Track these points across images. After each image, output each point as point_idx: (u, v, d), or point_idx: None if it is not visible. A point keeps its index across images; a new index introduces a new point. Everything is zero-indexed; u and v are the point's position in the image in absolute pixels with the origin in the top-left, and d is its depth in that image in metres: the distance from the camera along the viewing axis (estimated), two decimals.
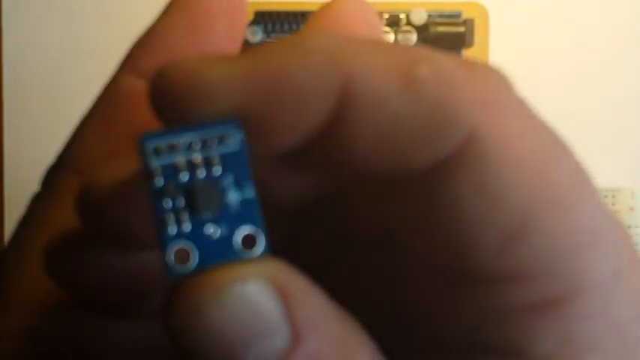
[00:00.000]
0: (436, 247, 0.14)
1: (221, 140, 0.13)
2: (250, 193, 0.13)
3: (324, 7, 0.17)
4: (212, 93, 0.13)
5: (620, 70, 0.48)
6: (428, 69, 0.13)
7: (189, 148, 0.13)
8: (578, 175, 0.14)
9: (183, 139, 0.13)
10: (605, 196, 0.46)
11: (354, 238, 0.16)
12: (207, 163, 0.13)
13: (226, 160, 0.13)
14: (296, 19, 0.46)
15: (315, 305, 0.13)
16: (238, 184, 0.13)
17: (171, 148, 0.13)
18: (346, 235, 0.16)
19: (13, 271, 0.17)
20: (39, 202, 0.17)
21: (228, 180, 0.13)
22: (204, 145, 0.13)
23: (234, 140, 0.13)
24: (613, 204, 0.46)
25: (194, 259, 0.13)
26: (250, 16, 0.46)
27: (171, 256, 0.13)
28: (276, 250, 0.13)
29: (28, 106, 0.47)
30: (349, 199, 0.16)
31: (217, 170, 0.13)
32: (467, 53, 0.46)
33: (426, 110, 0.13)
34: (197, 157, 0.13)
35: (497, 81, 0.14)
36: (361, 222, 0.16)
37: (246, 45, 0.51)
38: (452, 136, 0.13)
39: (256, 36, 0.46)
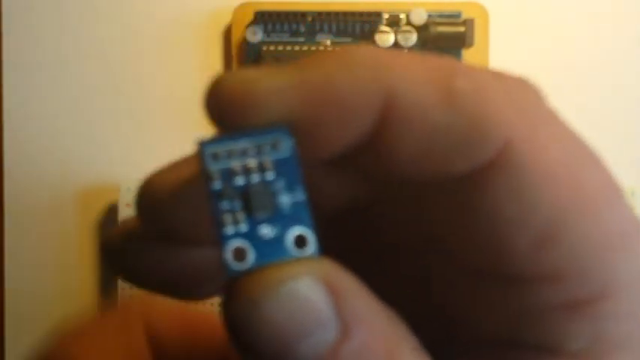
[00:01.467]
0: (474, 250, 0.15)
1: (274, 146, 0.14)
2: (301, 196, 0.14)
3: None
4: (266, 102, 0.14)
5: (620, 70, 0.48)
6: (465, 82, 0.14)
7: (245, 153, 0.14)
8: (608, 181, 0.15)
9: (239, 145, 0.14)
10: None
11: (395, 240, 0.17)
12: (261, 168, 0.14)
13: (279, 165, 0.14)
14: (296, 19, 0.46)
15: (363, 302, 0.14)
16: (290, 188, 0.14)
17: (229, 154, 0.14)
18: (388, 236, 0.17)
19: None
20: None
21: (281, 184, 0.14)
22: (259, 150, 0.14)
23: (285, 147, 0.14)
24: None
25: (250, 257, 0.14)
26: (250, 16, 0.46)
27: (229, 254, 0.14)
28: (325, 249, 0.14)
29: (28, 106, 0.47)
30: (390, 202, 0.16)
31: (270, 174, 0.14)
32: (467, 53, 0.46)
33: (464, 121, 0.14)
34: (252, 162, 0.14)
35: (529, 92, 0.15)
36: (402, 225, 0.17)
37: (247, 45, 0.51)
38: (488, 145, 0.14)
39: (256, 36, 0.46)
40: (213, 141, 0.14)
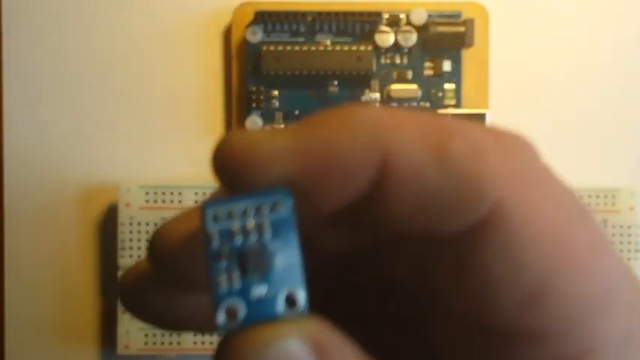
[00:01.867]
0: (464, 304, 0.15)
1: (273, 207, 0.14)
2: (296, 257, 0.14)
3: None
4: (267, 164, 0.14)
5: (620, 70, 0.48)
6: (460, 143, 0.14)
7: (245, 214, 0.14)
8: (595, 239, 0.15)
9: (239, 206, 0.14)
10: (605, 196, 0.46)
11: (389, 288, 0.17)
12: (259, 229, 0.14)
13: (276, 226, 0.14)
14: (296, 19, 0.46)
15: (348, 359, 0.14)
16: (285, 248, 0.14)
17: (229, 214, 0.14)
18: (382, 284, 0.17)
19: None
20: None
21: (277, 244, 0.14)
22: (258, 211, 0.14)
23: (284, 207, 0.14)
24: (613, 204, 0.46)
25: (241, 315, 0.14)
26: (250, 16, 0.46)
27: (222, 313, 0.14)
28: (315, 301, 0.15)
29: (28, 106, 0.47)
30: (384, 253, 0.17)
31: (267, 235, 0.14)
32: (467, 53, 0.46)
33: (457, 182, 0.14)
34: (250, 223, 0.14)
35: (524, 151, 0.15)
36: (396, 273, 0.17)
37: (247, 45, 0.51)
38: (480, 206, 0.14)
39: (256, 36, 0.46)
40: (215, 202, 0.14)
